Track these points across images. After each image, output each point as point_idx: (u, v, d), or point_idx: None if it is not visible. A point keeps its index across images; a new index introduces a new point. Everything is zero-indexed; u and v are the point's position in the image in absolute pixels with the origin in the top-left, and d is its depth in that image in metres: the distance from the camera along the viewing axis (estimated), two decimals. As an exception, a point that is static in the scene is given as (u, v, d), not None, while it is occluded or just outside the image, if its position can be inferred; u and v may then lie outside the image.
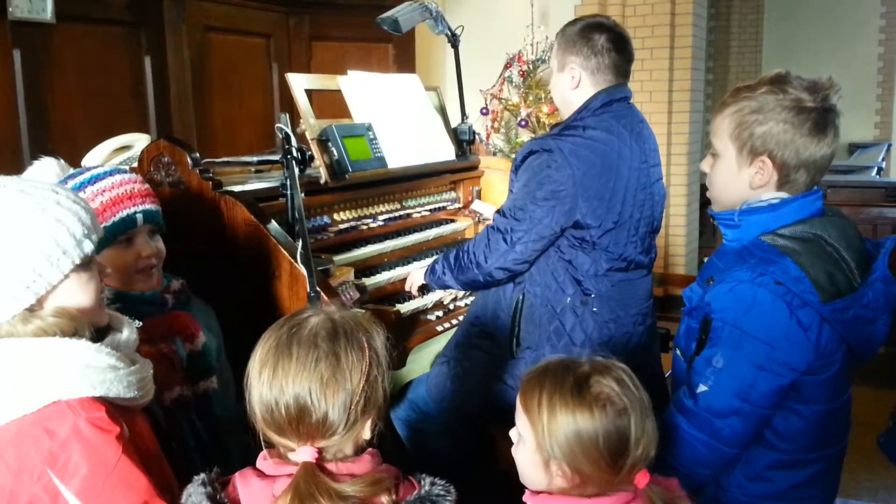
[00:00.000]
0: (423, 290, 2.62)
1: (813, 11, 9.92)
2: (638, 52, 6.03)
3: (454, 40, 3.23)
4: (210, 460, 1.32)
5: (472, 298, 2.76)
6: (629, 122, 2.34)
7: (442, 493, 1.25)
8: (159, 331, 1.78)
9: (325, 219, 2.58)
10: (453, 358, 2.43)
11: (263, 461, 1.27)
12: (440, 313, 2.64)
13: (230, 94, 4.69)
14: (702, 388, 1.65)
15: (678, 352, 1.82)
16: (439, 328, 2.60)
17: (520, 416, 1.37)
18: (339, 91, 2.78)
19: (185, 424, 1.80)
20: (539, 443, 1.32)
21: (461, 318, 2.67)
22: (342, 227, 2.64)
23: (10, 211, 1.33)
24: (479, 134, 3.59)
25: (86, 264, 1.40)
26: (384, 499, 1.22)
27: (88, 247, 1.39)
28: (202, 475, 1.25)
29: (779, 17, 9.98)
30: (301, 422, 1.21)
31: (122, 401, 1.38)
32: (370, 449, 1.29)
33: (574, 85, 2.34)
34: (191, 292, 1.98)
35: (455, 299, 2.73)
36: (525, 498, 1.38)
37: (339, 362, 1.22)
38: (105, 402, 1.34)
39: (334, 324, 1.26)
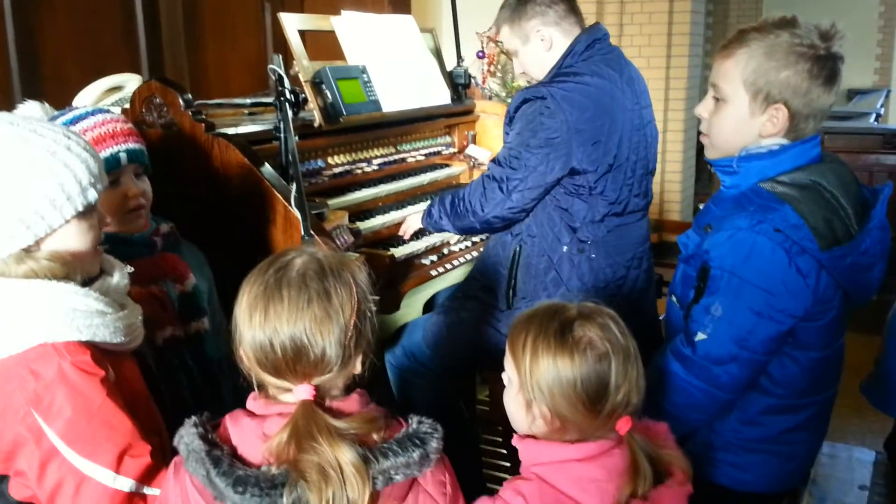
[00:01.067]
0: (418, 235, 2.62)
1: (816, -46, 9.73)
2: (638, -6, 5.78)
3: (450, -20, 3.17)
4: (202, 400, 1.34)
5: (467, 243, 2.77)
6: (618, 65, 2.32)
7: (429, 430, 1.27)
8: (149, 272, 1.79)
9: (319, 162, 2.56)
10: (451, 308, 2.45)
11: (253, 402, 1.29)
12: (434, 258, 2.64)
13: (223, 35, 4.61)
14: (700, 335, 1.66)
15: (674, 299, 1.82)
16: (433, 272, 2.60)
17: (507, 358, 1.40)
18: (332, 32, 2.74)
19: (177, 364, 1.82)
20: (522, 384, 1.34)
21: (456, 262, 2.68)
22: (336, 170, 2.62)
23: (19, 150, 1.33)
24: (474, 78, 3.54)
25: (88, 212, 1.40)
26: (374, 436, 1.24)
27: (93, 195, 1.39)
28: (193, 418, 1.26)
29: (781, -40, 9.79)
30: (298, 361, 1.23)
31: (108, 345, 1.39)
32: (358, 389, 1.31)
33: (548, 46, 2.33)
34: (180, 236, 1.97)
35: (449, 244, 2.73)
36: (514, 441, 1.41)
37: (330, 299, 1.23)
38: (91, 346, 1.36)
39: (320, 262, 1.27)
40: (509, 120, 2.31)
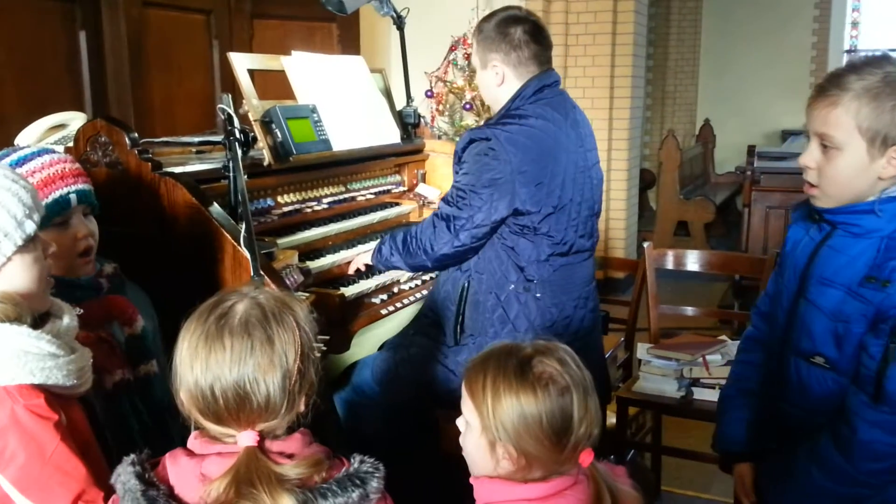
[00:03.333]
0: (368, 273, 2.62)
1: (750, 0, 10.14)
2: (581, 38, 6.14)
3: (399, 22, 3.21)
4: (154, 444, 1.31)
5: (416, 282, 2.77)
6: (563, 109, 2.40)
7: (370, 469, 1.26)
8: (96, 315, 1.75)
9: (269, 201, 2.55)
10: (401, 345, 2.46)
11: (193, 441, 1.28)
12: (384, 296, 2.64)
13: (169, 72, 4.57)
14: None
15: (818, 359, 1.69)
16: (384, 311, 2.59)
17: (465, 402, 1.39)
18: (282, 71, 2.74)
19: (128, 408, 1.77)
20: (485, 426, 1.34)
21: (406, 301, 2.68)
22: (286, 209, 2.61)
23: None
24: (424, 117, 3.57)
25: (29, 244, 1.37)
26: (315, 477, 1.23)
27: (31, 227, 1.37)
28: (132, 456, 1.24)
29: (717, 6, 10.16)
30: (242, 409, 1.22)
31: (59, 389, 1.36)
32: (301, 428, 1.30)
33: (499, 81, 2.38)
34: (124, 276, 1.94)
35: (399, 282, 2.73)
36: (471, 479, 1.40)
37: (273, 346, 1.22)
38: (43, 389, 1.32)
39: (262, 308, 1.25)
40: (458, 159, 2.36)
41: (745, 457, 1.90)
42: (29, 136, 2.23)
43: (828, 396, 1.67)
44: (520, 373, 1.33)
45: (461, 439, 1.42)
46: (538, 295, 2.32)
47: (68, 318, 1.46)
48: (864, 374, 1.59)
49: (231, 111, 2.04)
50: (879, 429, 1.56)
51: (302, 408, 1.28)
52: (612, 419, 3.04)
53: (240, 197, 2.03)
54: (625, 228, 6.35)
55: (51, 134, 2.27)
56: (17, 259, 1.35)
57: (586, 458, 1.34)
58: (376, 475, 1.26)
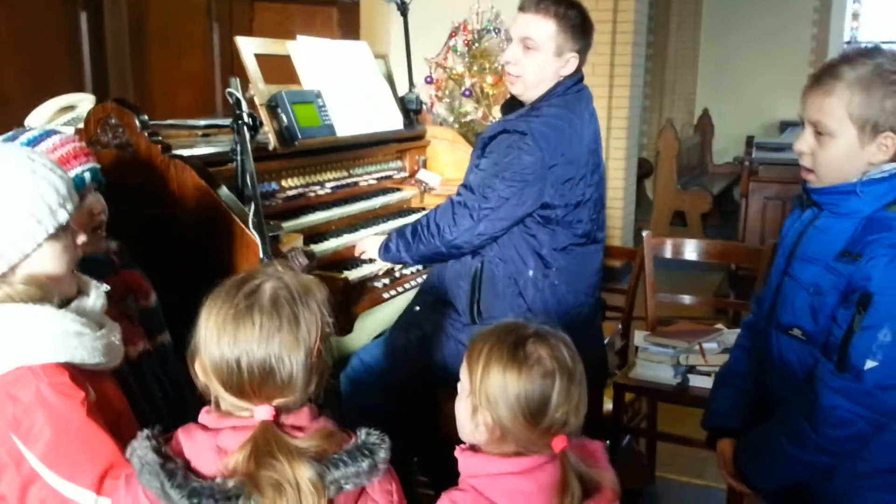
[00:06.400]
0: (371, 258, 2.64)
1: (751, -10, 10.15)
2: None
3: (404, 9, 3.23)
4: (175, 411, 1.35)
5: (418, 266, 2.79)
6: (587, 105, 2.45)
7: (377, 441, 1.31)
8: (116, 290, 1.79)
9: (273, 185, 2.57)
10: (413, 323, 2.48)
11: (206, 415, 1.32)
12: (387, 281, 2.67)
13: (169, 54, 4.57)
14: (870, 363, 1.61)
15: (796, 332, 1.77)
16: (386, 295, 2.62)
17: (462, 365, 1.46)
18: (286, 56, 2.76)
19: (151, 377, 1.84)
20: (472, 390, 1.40)
21: (407, 285, 2.70)
22: (290, 193, 2.64)
23: None
24: (425, 104, 3.59)
25: (61, 233, 1.40)
26: (328, 448, 1.28)
27: (63, 216, 1.39)
28: (146, 431, 1.27)
29: (718, -5, 10.17)
30: (264, 384, 1.26)
31: (88, 366, 1.38)
32: (309, 403, 1.34)
33: (564, 71, 2.35)
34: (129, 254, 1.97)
35: (402, 267, 2.76)
36: (455, 453, 1.46)
37: (299, 325, 1.27)
38: (69, 367, 1.35)
39: (289, 288, 1.30)
40: (482, 146, 2.35)
41: (729, 432, 1.95)
42: (38, 118, 2.25)
43: (805, 370, 1.75)
44: (513, 350, 1.39)
45: (456, 400, 1.48)
46: (556, 282, 2.36)
47: (94, 295, 1.49)
48: (832, 342, 1.67)
49: (240, 95, 2.07)
50: (841, 395, 1.64)
51: (313, 387, 1.32)
52: (608, 405, 3.09)
53: (249, 180, 2.05)
54: (622, 217, 6.37)
55: (60, 116, 2.29)
56: (48, 246, 1.38)
57: (558, 443, 1.39)
58: (383, 446, 1.31)
